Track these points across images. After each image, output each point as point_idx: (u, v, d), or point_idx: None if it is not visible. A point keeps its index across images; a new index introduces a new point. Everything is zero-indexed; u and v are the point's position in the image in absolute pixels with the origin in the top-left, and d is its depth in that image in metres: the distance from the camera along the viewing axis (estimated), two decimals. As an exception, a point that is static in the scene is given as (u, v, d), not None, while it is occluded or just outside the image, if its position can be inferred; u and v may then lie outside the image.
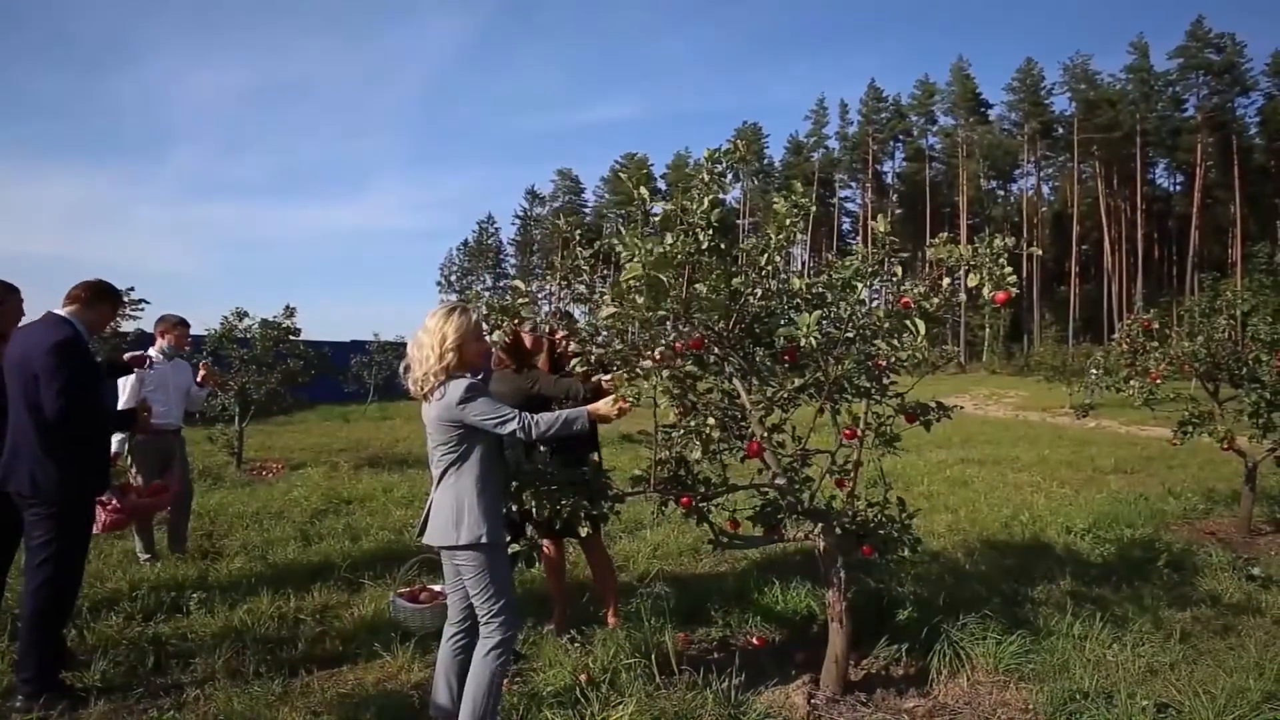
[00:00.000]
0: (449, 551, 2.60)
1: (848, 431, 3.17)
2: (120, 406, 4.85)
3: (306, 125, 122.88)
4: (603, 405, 2.73)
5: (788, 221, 2.82)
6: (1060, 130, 59.52)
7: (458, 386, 2.51)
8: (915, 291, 2.79)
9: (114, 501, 3.57)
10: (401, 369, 2.69)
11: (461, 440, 2.57)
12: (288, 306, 9.33)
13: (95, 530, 3.54)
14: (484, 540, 2.52)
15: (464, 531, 2.52)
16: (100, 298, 3.28)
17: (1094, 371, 6.39)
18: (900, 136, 64.95)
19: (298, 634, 3.76)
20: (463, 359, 2.59)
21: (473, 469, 2.57)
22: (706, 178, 2.78)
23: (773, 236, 2.88)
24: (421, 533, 2.68)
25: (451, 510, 2.55)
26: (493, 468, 2.62)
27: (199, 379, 5.46)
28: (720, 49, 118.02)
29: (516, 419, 2.51)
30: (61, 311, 3.15)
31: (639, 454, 7.16)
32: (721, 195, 2.93)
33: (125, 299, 8.11)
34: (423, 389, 2.58)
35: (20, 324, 3.36)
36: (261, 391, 8.98)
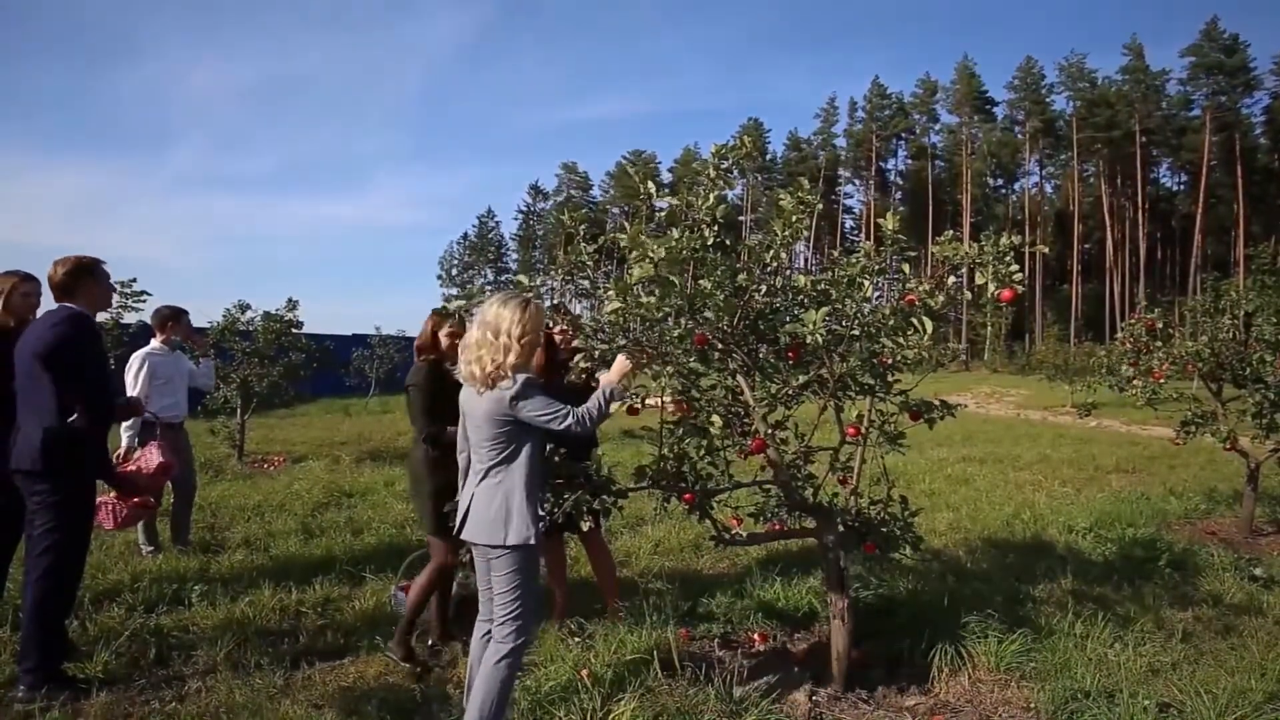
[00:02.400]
0: (487, 549, 2.53)
1: (851, 429, 3.16)
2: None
3: (308, 120, 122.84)
4: (618, 367, 2.73)
5: (794, 218, 2.81)
6: (1062, 127, 59.40)
7: (515, 382, 2.46)
8: (921, 289, 2.78)
9: (134, 498, 3.57)
10: (459, 351, 2.62)
11: (512, 438, 2.50)
12: (290, 299, 9.34)
13: (110, 526, 3.55)
14: (531, 541, 2.46)
15: (512, 532, 2.46)
16: (80, 276, 3.19)
17: (1126, 370, 6.31)
18: (903, 135, 64.83)
19: (299, 627, 3.76)
20: (528, 354, 2.55)
21: (522, 467, 2.51)
22: (713, 174, 2.77)
23: (779, 233, 2.86)
24: (460, 529, 2.59)
25: (501, 509, 2.48)
26: (538, 466, 2.58)
27: (195, 353, 5.51)
28: (720, 47, 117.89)
29: (570, 415, 2.46)
30: (67, 305, 3.16)
31: (640, 450, 7.16)
32: (726, 191, 2.93)
33: (128, 291, 8.09)
34: (490, 381, 2.49)
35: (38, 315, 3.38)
36: (263, 384, 8.98)
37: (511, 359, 2.47)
